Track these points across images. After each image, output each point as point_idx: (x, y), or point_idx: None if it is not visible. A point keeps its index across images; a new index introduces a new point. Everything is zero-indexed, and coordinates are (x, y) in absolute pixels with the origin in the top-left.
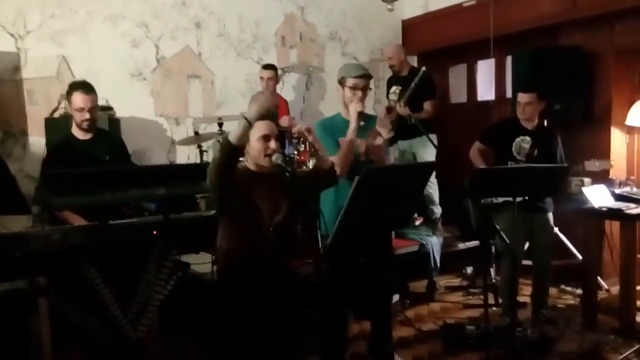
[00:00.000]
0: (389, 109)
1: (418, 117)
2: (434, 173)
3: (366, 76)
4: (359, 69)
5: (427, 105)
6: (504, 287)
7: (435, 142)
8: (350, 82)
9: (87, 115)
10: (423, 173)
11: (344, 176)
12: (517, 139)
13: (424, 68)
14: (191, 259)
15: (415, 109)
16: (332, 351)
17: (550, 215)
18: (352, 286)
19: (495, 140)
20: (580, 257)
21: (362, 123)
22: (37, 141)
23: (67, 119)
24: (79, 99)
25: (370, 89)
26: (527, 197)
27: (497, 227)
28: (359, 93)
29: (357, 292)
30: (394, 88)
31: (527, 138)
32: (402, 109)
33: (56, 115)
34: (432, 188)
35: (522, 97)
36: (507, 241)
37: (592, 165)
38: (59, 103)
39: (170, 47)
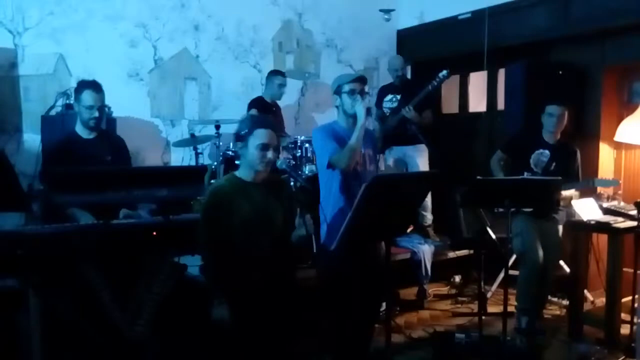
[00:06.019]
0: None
1: (421, 123)
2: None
3: (362, 79)
4: (353, 74)
5: (428, 113)
6: (525, 290)
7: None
8: (347, 87)
9: (96, 114)
10: (427, 182)
11: (347, 169)
12: (537, 152)
13: (447, 70)
14: (188, 260)
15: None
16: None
17: (560, 228)
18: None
19: (516, 151)
20: (567, 269)
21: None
22: (32, 138)
23: (63, 117)
24: (89, 97)
25: (368, 93)
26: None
27: (493, 235)
28: (358, 97)
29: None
30: (390, 96)
31: (547, 152)
32: (411, 113)
33: (52, 113)
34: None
35: (557, 110)
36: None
37: (600, 182)
38: (56, 101)
39: (168, 48)
